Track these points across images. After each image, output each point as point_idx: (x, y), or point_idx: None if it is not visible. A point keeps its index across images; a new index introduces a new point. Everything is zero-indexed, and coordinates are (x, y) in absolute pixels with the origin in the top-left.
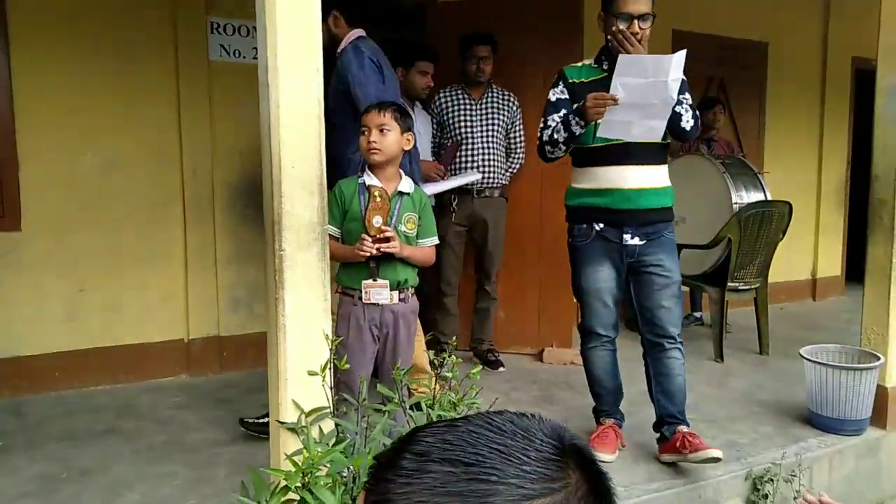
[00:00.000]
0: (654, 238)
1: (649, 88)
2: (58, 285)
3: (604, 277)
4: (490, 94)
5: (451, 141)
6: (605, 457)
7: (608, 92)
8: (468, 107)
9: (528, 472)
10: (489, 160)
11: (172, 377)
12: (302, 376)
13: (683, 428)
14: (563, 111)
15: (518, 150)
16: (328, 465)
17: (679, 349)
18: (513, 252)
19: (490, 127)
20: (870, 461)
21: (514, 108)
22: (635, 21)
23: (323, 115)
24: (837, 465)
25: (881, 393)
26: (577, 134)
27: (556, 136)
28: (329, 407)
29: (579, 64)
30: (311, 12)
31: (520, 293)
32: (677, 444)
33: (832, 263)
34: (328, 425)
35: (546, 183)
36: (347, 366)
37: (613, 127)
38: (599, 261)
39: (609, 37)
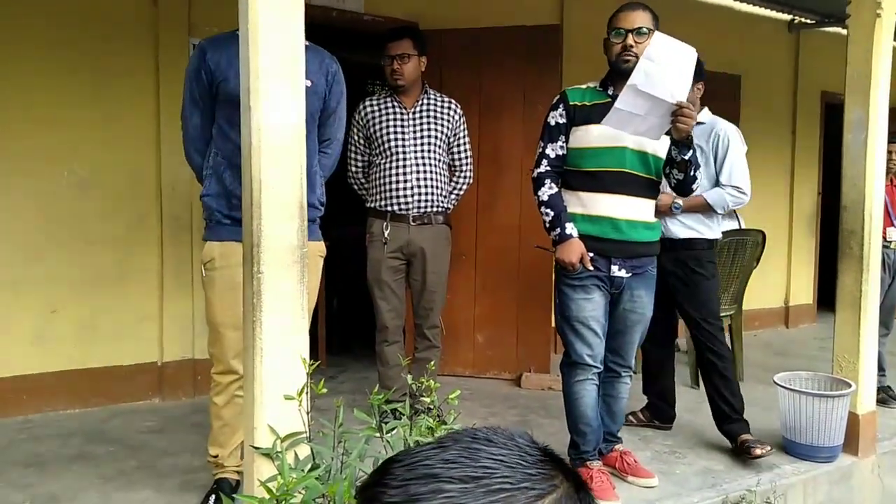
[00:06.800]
0: (639, 273)
1: (668, 80)
2: (29, 306)
3: (594, 306)
4: (425, 101)
5: (381, 156)
6: None
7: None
8: (398, 117)
9: (532, 474)
10: (426, 180)
11: (145, 401)
12: (278, 400)
13: (619, 446)
14: (561, 211)
15: (464, 168)
16: (303, 490)
17: (630, 376)
18: (490, 274)
19: (425, 140)
20: (842, 488)
21: (457, 116)
22: (629, 34)
23: (304, 139)
24: (811, 492)
25: (853, 420)
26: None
27: (545, 216)
28: (305, 432)
29: (583, 86)
30: (295, 36)
31: (497, 317)
32: (616, 465)
33: (804, 291)
34: (304, 450)
35: (525, 203)
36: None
37: (619, 117)
38: (589, 289)
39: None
